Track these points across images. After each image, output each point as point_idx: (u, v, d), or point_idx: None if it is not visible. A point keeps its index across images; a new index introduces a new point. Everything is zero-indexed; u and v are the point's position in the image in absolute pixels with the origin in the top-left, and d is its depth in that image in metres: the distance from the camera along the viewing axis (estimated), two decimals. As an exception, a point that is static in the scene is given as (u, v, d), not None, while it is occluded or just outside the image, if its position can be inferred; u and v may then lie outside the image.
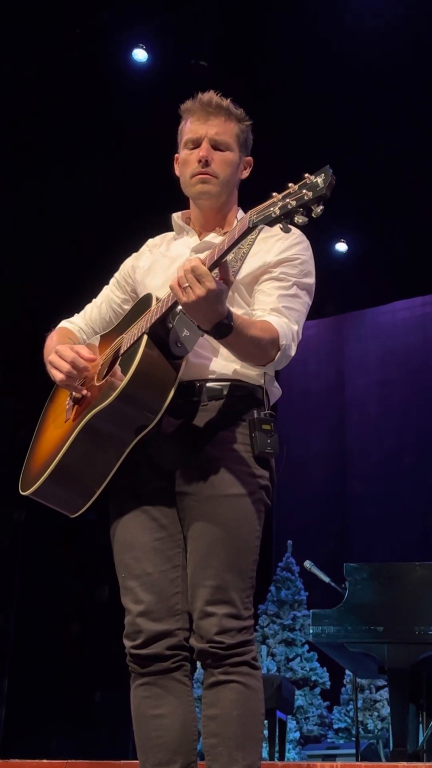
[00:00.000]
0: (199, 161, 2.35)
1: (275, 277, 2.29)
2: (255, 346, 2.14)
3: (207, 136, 2.36)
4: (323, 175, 1.82)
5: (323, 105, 6.92)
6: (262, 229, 2.31)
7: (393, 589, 4.82)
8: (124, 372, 2.13)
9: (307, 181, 1.83)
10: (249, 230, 1.94)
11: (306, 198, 1.82)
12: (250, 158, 2.47)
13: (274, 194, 1.88)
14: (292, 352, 2.23)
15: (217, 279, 2.00)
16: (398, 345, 9.72)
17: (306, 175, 1.84)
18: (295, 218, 1.85)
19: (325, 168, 1.83)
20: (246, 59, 6.73)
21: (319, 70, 6.69)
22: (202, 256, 2.08)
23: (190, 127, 2.40)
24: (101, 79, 6.95)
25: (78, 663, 7.70)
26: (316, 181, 1.82)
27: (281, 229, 1.88)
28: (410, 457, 9.24)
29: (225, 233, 2.30)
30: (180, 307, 2.10)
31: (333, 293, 8.55)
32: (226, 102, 2.40)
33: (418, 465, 9.13)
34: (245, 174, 2.47)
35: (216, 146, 2.37)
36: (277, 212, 1.85)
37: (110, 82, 7.01)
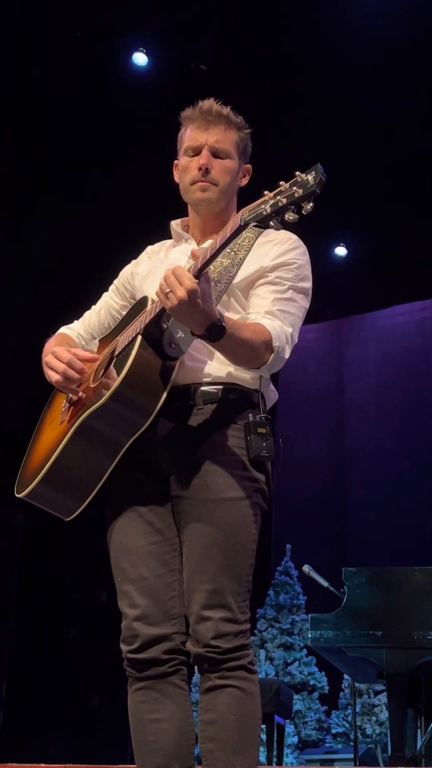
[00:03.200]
0: (200, 169, 2.36)
1: (271, 281, 2.30)
2: (248, 349, 2.13)
3: (207, 144, 2.37)
4: (314, 172, 1.84)
5: (323, 109, 6.92)
6: (260, 233, 2.32)
7: (392, 594, 4.82)
8: (119, 372, 2.14)
9: (298, 179, 1.85)
10: (241, 228, 1.95)
11: (296, 195, 1.84)
12: (249, 166, 2.48)
13: (265, 192, 1.90)
14: (287, 355, 2.23)
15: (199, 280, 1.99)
16: (397, 349, 9.73)
17: (297, 173, 1.86)
18: (286, 216, 1.86)
19: (315, 166, 1.85)
20: (246, 63, 6.74)
21: (318, 74, 6.70)
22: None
23: (190, 135, 2.41)
24: (101, 82, 6.96)
25: (76, 667, 7.69)
26: (307, 179, 1.84)
27: (272, 226, 1.90)
28: (409, 461, 9.24)
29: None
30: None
31: (332, 297, 8.56)
32: (226, 110, 2.41)
33: (417, 469, 9.13)
34: (244, 181, 2.48)
35: (216, 154, 2.38)
36: (268, 210, 1.87)
37: (110, 86, 7.01)
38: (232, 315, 2.24)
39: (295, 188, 1.84)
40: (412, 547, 8.35)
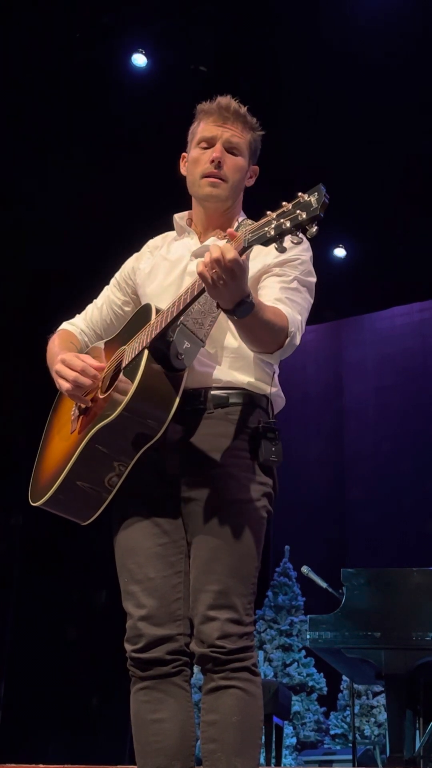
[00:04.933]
0: (212, 161, 2.36)
1: (276, 273, 2.30)
2: (267, 331, 2.12)
3: (222, 139, 2.37)
4: (316, 194, 1.80)
5: (323, 110, 6.93)
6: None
7: (390, 595, 4.82)
8: (127, 386, 2.14)
9: (301, 200, 1.82)
10: (243, 250, 1.93)
11: (300, 219, 1.81)
12: (256, 167, 2.48)
13: (267, 213, 1.87)
14: (297, 341, 2.21)
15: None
16: (396, 351, 9.73)
17: (299, 194, 1.83)
18: (291, 239, 1.85)
19: (317, 187, 1.81)
20: (245, 64, 6.74)
21: (318, 76, 6.70)
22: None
23: (205, 127, 2.40)
24: (101, 83, 6.96)
25: (75, 668, 7.69)
26: (310, 201, 1.81)
27: (276, 249, 1.87)
28: (408, 463, 9.24)
29: (225, 236, 2.31)
30: (181, 319, 2.12)
31: (331, 298, 8.55)
32: (244, 109, 2.42)
33: (415, 470, 9.13)
34: (251, 182, 2.48)
35: (229, 150, 2.38)
36: (272, 233, 1.85)
37: (110, 87, 7.02)
38: None
39: (298, 211, 1.81)
40: (411, 548, 8.36)
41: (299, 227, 1.82)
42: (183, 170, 2.48)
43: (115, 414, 2.12)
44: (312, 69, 6.69)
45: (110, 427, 2.14)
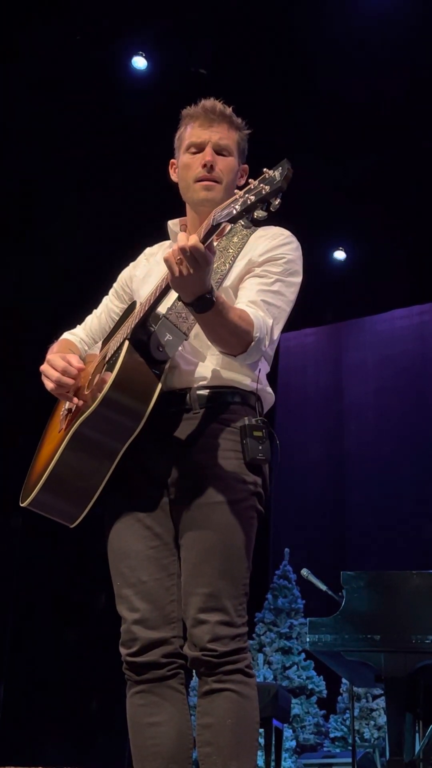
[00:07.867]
0: (204, 166, 2.36)
1: (258, 274, 2.30)
2: (230, 332, 2.12)
3: (211, 142, 2.39)
4: (280, 168, 1.84)
5: (323, 112, 6.93)
6: (254, 231, 2.33)
7: (390, 598, 4.81)
8: (107, 379, 2.14)
9: (266, 176, 1.85)
10: (213, 228, 1.95)
11: (264, 192, 1.84)
12: (246, 166, 2.50)
13: (236, 192, 1.91)
14: (264, 347, 2.21)
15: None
16: (396, 353, 9.71)
17: (264, 170, 1.87)
18: (255, 213, 1.87)
19: (282, 162, 1.85)
20: (246, 66, 6.74)
21: (318, 77, 6.71)
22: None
23: (192, 132, 2.41)
24: (100, 86, 6.97)
25: (74, 670, 7.68)
26: (274, 175, 1.84)
27: (243, 225, 1.91)
28: (408, 465, 9.23)
29: (218, 242, 2.31)
30: (164, 312, 2.14)
31: (331, 301, 8.57)
32: (229, 110, 2.44)
33: (416, 473, 9.12)
34: (242, 182, 2.49)
35: (219, 152, 2.40)
36: (238, 208, 1.87)
37: (110, 90, 7.02)
38: None
39: (262, 185, 1.84)
40: (411, 550, 8.34)
41: (263, 201, 1.84)
42: (174, 177, 2.49)
43: (92, 407, 2.13)
44: (312, 70, 6.69)
45: (89, 421, 2.14)
